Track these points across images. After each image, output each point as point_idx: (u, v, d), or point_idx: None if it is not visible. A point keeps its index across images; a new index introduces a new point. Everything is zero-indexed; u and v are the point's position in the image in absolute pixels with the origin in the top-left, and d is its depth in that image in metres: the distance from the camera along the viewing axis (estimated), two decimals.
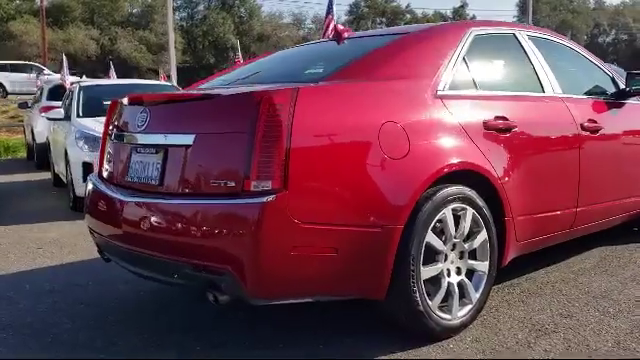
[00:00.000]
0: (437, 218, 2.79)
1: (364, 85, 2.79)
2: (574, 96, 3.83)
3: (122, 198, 2.89)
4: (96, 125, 6.83)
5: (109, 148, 3.35)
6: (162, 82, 10.79)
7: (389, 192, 2.63)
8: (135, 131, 2.96)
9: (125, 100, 3.21)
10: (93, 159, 6.42)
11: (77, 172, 6.51)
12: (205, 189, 2.58)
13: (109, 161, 3.32)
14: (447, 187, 2.82)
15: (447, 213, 2.84)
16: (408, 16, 58.44)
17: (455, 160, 2.87)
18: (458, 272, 2.96)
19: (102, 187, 3.21)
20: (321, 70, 3.03)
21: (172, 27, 14.81)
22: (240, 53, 10.89)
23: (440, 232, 2.84)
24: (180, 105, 2.79)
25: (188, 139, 2.65)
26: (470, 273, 3.01)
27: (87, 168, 6.43)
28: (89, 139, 6.62)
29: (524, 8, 55.97)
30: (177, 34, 45.28)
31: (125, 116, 3.17)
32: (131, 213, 2.83)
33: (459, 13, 59.60)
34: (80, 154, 6.57)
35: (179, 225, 2.60)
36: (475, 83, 3.24)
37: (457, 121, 2.97)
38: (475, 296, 3.00)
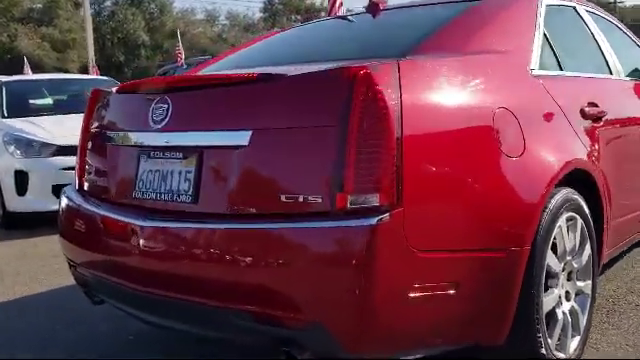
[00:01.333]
0: (554, 233, 2.17)
1: (464, 60, 2.12)
2: (635, 79, 3.33)
3: (135, 222, 2.07)
4: (28, 126, 5.81)
5: (94, 154, 2.52)
6: (96, 76, 9.63)
7: (512, 202, 1.99)
8: (146, 129, 2.15)
9: (123, 89, 2.40)
10: (27, 166, 5.44)
11: (8, 183, 5.46)
12: (271, 207, 1.84)
13: (95, 171, 2.49)
14: (559, 192, 2.20)
15: (562, 225, 2.23)
16: (323, 14, 58.23)
17: (569, 158, 2.27)
18: (567, 297, 2.36)
19: (90, 206, 2.37)
20: (387, 46, 2.33)
21: (90, 21, 13.55)
22: (180, 44, 9.90)
23: (554, 250, 2.23)
24: (224, 91, 2.01)
25: (240, 138, 1.89)
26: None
27: (21, 178, 5.43)
28: (21, 143, 5.59)
29: None
30: (84, 31, 42.85)
31: (124, 110, 2.35)
32: (152, 243, 2.04)
33: None
34: (11, 161, 5.52)
35: (233, 259, 1.85)
36: (559, 62, 2.65)
37: (560, 108, 2.36)
38: (583, 324, 2.41)
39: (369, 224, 1.66)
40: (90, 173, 2.52)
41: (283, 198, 1.80)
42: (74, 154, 5.28)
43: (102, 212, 2.28)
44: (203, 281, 1.91)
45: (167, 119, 2.08)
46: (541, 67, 2.46)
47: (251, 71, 2.04)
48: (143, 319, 2.24)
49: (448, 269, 1.83)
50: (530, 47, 2.44)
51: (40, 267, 4.28)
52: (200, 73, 2.41)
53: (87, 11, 13.66)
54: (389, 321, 1.74)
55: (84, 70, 28.94)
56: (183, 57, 9.83)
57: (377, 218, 1.66)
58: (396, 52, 2.10)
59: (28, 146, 5.53)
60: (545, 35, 2.61)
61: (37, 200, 5.39)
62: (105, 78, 7.86)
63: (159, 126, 2.09)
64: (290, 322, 1.78)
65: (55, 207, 5.21)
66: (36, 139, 5.54)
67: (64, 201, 2.57)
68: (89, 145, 2.55)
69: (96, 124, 2.53)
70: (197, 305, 1.93)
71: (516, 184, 2.01)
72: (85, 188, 2.53)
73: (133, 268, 2.08)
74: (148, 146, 2.18)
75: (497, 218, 1.93)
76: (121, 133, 2.33)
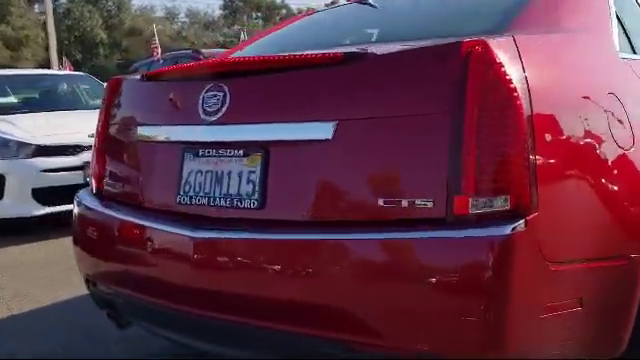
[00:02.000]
0: None
1: (567, 39, 1.84)
2: None
3: (184, 233, 1.74)
4: (3, 125, 5.33)
5: (118, 153, 2.16)
6: (71, 72, 9.07)
7: (630, 202, 1.72)
8: (194, 122, 1.81)
9: (155, 76, 2.05)
10: (4, 169, 4.99)
11: None
12: (364, 214, 1.53)
13: (121, 173, 2.14)
14: None
15: None
16: (284, 11, 57.83)
17: None
18: None
19: (118, 214, 2.02)
20: (468, 23, 2.01)
21: (52, 17, 12.93)
22: (157, 38, 9.40)
23: None
24: (298, 75, 1.67)
25: (322, 130, 1.57)
26: None
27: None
28: None
29: None
30: (39, 29, 41.40)
31: (159, 100, 1.99)
32: (208, 258, 1.70)
33: None
34: None
35: (317, 277, 1.54)
36: (632, 45, 2.40)
37: None
38: None
39: (501, 234, 1.36)
40: (114, 175, 2.16)
41: (380, 202, 1.50)
42: (56, 154, 4.99)
43: (135, 221, 1.93)
44: (279, 303, 1.59)
45: (223, 110, 1.74)
46: (621, 50, 2.20)
47: (317, 52, 1.72)
48: (194, 347, 1.90)
49: (573, 283, 1.55)
50: (610, 27, 2.18)
51: (28, 280, 3.86)
52: (251, 55, 2.03)
53: (49, 6, 13.03)
54: (518, 347, 1.45)
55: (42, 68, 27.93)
56: (159, 52, 9.35)
57: (511, 226, 1.36)
58: (483, 29, 1.80)
59: (4, 146, 5.06)
60: (617, 15, 2.36)
61: (16, 205, 4.94)
62: (82, 74, 7.38)
63: (212, 118, 1.76)
64: (393, 351, 1.48)
65: (36, 212, 4.91)
66: (13, 139, 5.07)
67: (80, 207, 2.21)
68: (110, 143, 2.19)
69: (119, 118, 2.17)
70: (272, 332, 1.61)
71: (631, 181, 1.74)
72: (106, 192, 2.18)
73: (183, 287, 1.75)
74: (196, 142, 1.84)
75: (618, 221, 1.67)
76: (156, 128, 1.98)
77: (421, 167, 1.48)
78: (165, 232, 1.81)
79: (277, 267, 1.59)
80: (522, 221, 1.37)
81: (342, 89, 1.59)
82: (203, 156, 1.82)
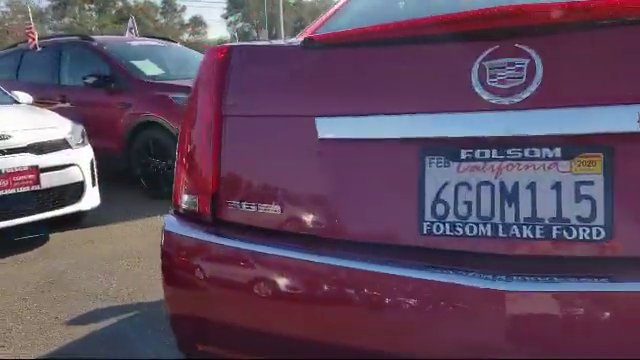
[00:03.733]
0: None
1: None
2: None
3: (482, 285, 1.08)
4: None
5: (254, 157, 1.43)
6: None
7: None
8: (462, 107, 1.16)
9: (345, 41, 1.34)
10: None
11: None
12: None
13: (277, 188, 1.39)
14: None
15: None
16: (120, 3, 54.73)
17: None
18: None
19: (295, 252, 1.29)
20: None
21: None
22: (32, 22, 7.84)
23: None
24: None
25: None
26: None
27: None
28: None
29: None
30: None
31: (365, 78, 1.29)
32: (537, 327, 1.06)
33: (169, 3, 57.90)
34: None
35: None
36: None
37: None
38: None
39: None
40: (253, 192, 1.40)
41: None
42: None
43: (337, 264, 1.23)
44: None
45: (533, 86, 1.11)
46: None
47: None
48: None
49: None
50: None
51: None
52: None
53: None
54: None
55: None
56: (37, 37, 7.84)
57: None
58: None
59: None
60: None
61: None
62: None
63: (512, 100, 1.12)
64: None
65: None
66: None
67: (193, 244, 1.43)
68: (238, 142, 1.43)
69: (258, 106, 1.42)
70: None
71: None
72: (233, 218, 1.42)
73: None
74: (457, 139, 1.18)
75: None
76: (360, 119, 1.27)
77: None
78: (417, 281, 1.14)
79: None
80: None
81: None
82: (470, 160, 1.17)
